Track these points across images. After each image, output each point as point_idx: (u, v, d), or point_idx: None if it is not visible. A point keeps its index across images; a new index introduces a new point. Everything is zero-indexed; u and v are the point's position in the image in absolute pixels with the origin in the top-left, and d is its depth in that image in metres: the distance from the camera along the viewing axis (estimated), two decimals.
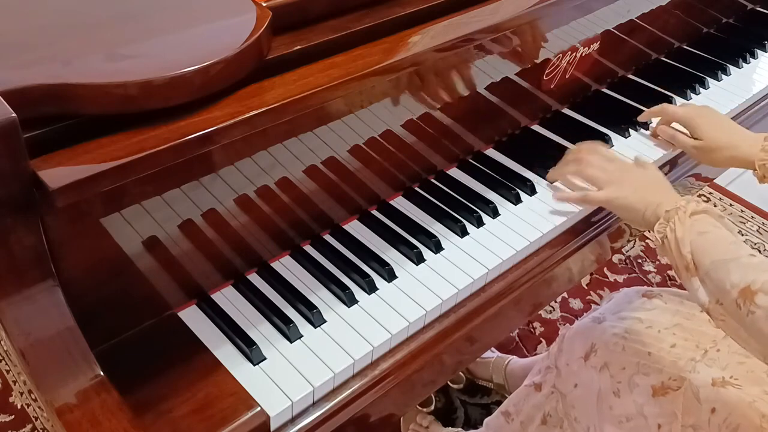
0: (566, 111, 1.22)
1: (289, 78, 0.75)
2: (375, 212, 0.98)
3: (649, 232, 0.87)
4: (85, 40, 0.70)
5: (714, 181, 1.94)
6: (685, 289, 1.01)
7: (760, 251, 1.92)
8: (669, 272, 1.86)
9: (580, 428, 1.03)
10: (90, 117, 0.65)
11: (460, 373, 1.50)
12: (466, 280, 0.88)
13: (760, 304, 0.70)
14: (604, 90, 1.28)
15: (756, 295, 0.70)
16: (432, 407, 1.45)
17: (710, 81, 1.32)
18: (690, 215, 0.82)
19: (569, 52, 1.11)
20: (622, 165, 0.96)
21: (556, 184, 1.03)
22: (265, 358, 0.78)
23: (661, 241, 0.83)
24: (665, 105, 1.14)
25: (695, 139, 1.07)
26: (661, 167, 1.14)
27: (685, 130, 1.12)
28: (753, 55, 1.42)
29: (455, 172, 1.06)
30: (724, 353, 0.92)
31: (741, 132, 1.06)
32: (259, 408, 0.73)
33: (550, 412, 1.09)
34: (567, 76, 1.15)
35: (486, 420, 1.28)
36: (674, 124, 1.13)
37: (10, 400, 1.52)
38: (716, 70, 1.34)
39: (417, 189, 1.03)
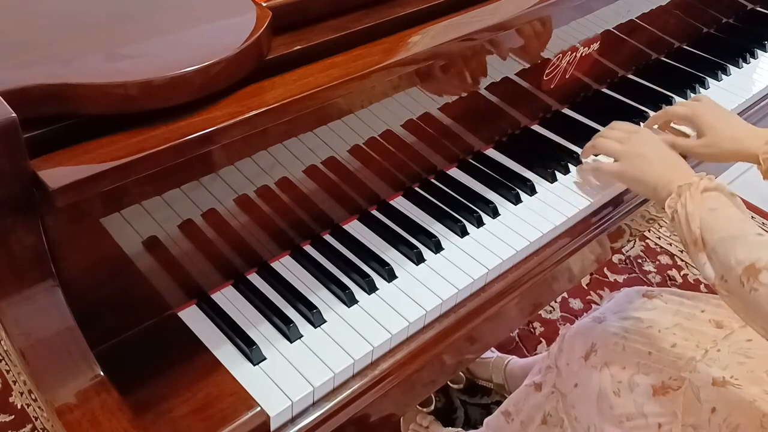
0: (566, 111, 1.22)
1: (289, 78, 0.75)
2: (375, 212, 0.98)
3: (660, 206, 0.88)
4: (85, 40, 0.70)
5: None
6: (685, 289, 1.02)
7: None
8: (669, 272, 1.86)
9: (580, 428, 1.03)
10: (90, 117, 0.65)
11: (460, 373, 1.50)
12: (466, 280, 0.88)
13: (764, 282, 0.70)
14: (604, 90, 1.28)
15: (760, 273, 0.71)
16: (432, 407, 1.45)
17: (710, 81, 1.32)
18: (702, 191, 0.83)
19: (569, 52, 1.11)
20: (640, 136, 0.98)
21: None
22: (265, 358, 0.78)
23: (671, 216, 0.85)
24: (666, 108, 1.14)
25: (698, 136, 1.07)
26: None
27: (686, 130, 1.12)
28: (753, 55, 1.42)
29: (455, 172, 1.06)
30: (725, 353, 0.92)
31: (744, 126, 1.06)
32: (259, 408, 0.73)
33: (551, 411, 1.09)
34: (567, 76, 1.15)
35: (486, 420, 1.28)
36: (673, 126, 1.13)
37: (10, 400, 1.52)
38: (716, 70, 1.35)
39: (417, 189, 1.03)
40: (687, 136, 1.11)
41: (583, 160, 1.07)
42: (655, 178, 0.90)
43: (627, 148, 0.96)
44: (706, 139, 1.06)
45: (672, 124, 1.16)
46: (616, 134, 1.00)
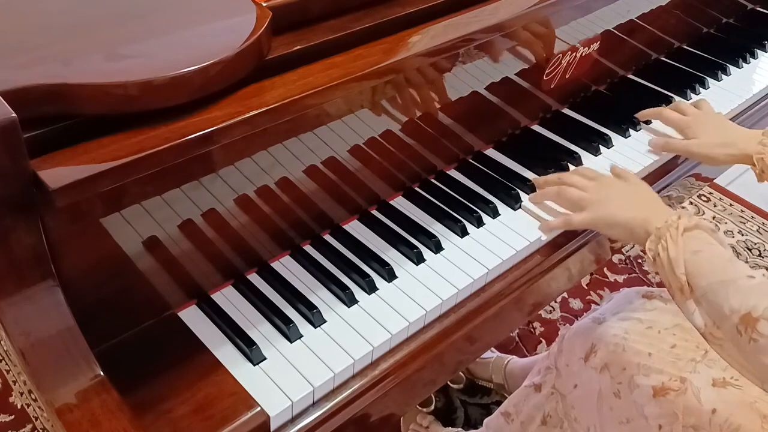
0: (566, 111, 1.22)
1: (289, 78, 0.75)
2: (375, 212, 0.98)
3: (640, 248, 0.85)
4: (85, 40, 0.70)
5: (714, 181, 1.94)
6: None
7: (760, 251, 1.92)
8: None
9: (580, 429, 1.03)
10: (90, 117, 0.65)
11: (460, 373, 1.50)
12: (466, 280, 0.88)
13: (763, 333, 0.68)
14: (604, 90, 1.28)
15: (758, 322, 0.68)
16: (432, 407, 1.45)
17: (710, 81, 1.32)
18: (682, 233, 0.79)
19: (569, 52, 1.11)
20: (604, 181, 0.94)
21: (535, 210, 1.00)
22: (265, 358, 0.78)
23: (653, 259, 0.82)
24: (662, 109, 1.15)
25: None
26: (661, 167, 1.14)
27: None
28: (753, 55, 1.42)
29: (455, 173, 1.06)
30: None
31: (737, 129, 1.06)
32: (259, 408, 0.73)
33: (550, 412, 1.09)
34: (567, 76, 1.15)
35: (486, 420, 1.28)
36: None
37: (10, 400, 1.52)
38: (716, 70, 1.35)
39: (417, 189, 1.02)
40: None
41: (530, 206, 1.00)
42: (629, 218, 0.86)
43: (592, 195, 0.92)
44: (699, 141, 1.06)
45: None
46: (577, 181, 0.95)
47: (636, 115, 1.18)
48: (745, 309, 0.70)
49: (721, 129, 1.07)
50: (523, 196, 1.02)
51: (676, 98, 1.27)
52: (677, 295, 0.78)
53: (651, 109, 1.17)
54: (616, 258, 1.88)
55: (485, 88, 1.02)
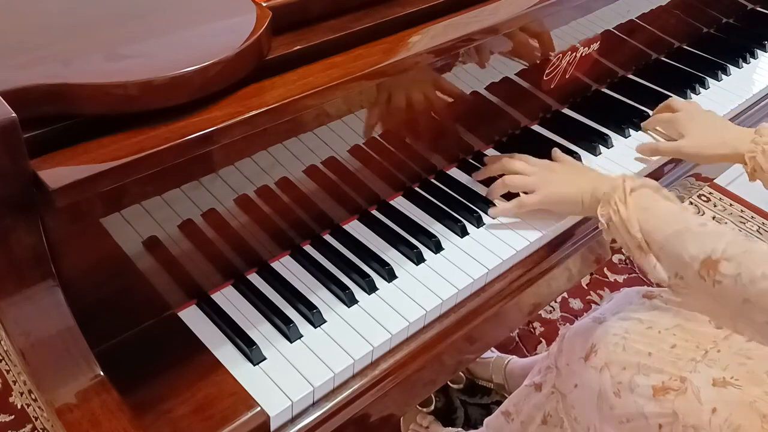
0: (566, 111, 1.22)
1: (289, 78, 0.75)
2: (375, 212, 0.98)
3: (593, 217, 0.87)
4: (85, 40, 0.70)
5: (714, 181, 1.94)
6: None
7: None
8: None
9: (580, 428, 1.03)
10: (90, 117, 0.65)
11: (460, 373, 1.50)
12: (466, 280, 0.88)
13: (726, 273, 0.69)
14: (604, 90, 1.28)
15: (719, 263, 0.70)
16: (432, 407, 1.45)
17: (710, 81, 1.32)
18: (630, 192, 0.81)
19: (569, 52, 1.11)
20: (545, 165, 0.98)
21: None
22: (265, 358, 0.78)
23: (606, 225, 0.83)
24: (657, 116, 1.17)
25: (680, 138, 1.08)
26: (662, 167, 1.14)
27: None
28: (753, 55, 1.42)
29: (455, 172, 1.06)
30: (725, 354, 0.92)
31: (728, 127, 1.06)
32: (259, 408, 0.73)
33: (551, 412, 1.09)
34: (567, 76, 1.15)
35: (486, 420, 1.28)
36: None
37: (10, 400, 1.52)
38: (716, 70, 1.34)
39: (417, 189, 1.02)
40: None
41: (494, 200, 1.01)
42: (578, 192, 0.89)
43: (538, 177, 0.95)
44: (689, 139, 1.06)
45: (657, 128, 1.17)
46: (520, 166, 0.97)
47: (642, 125, 1.18)
48: (704, 254, 0.71)
49: (712, 127, 1.07)
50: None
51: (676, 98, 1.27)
52: (636, 253, 0.80)
53: (649, 120, 1.18)
54: (616, 258, 1.88)
55: (485, 88, 1.02)
